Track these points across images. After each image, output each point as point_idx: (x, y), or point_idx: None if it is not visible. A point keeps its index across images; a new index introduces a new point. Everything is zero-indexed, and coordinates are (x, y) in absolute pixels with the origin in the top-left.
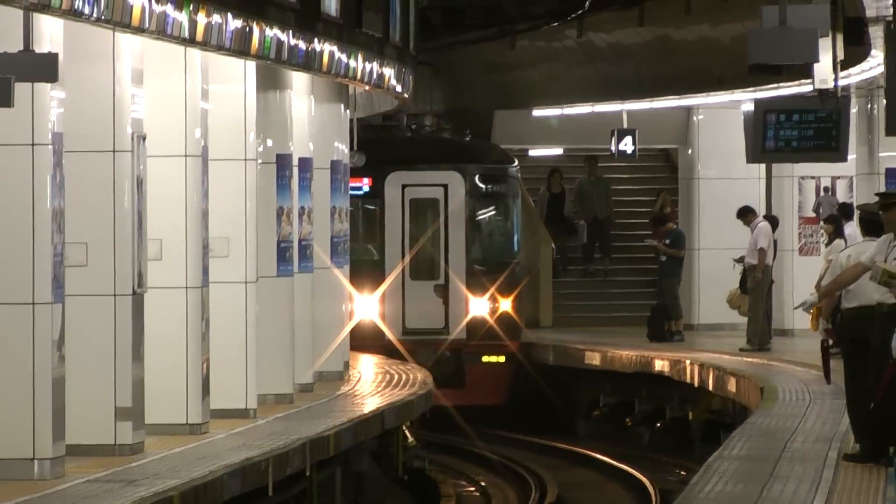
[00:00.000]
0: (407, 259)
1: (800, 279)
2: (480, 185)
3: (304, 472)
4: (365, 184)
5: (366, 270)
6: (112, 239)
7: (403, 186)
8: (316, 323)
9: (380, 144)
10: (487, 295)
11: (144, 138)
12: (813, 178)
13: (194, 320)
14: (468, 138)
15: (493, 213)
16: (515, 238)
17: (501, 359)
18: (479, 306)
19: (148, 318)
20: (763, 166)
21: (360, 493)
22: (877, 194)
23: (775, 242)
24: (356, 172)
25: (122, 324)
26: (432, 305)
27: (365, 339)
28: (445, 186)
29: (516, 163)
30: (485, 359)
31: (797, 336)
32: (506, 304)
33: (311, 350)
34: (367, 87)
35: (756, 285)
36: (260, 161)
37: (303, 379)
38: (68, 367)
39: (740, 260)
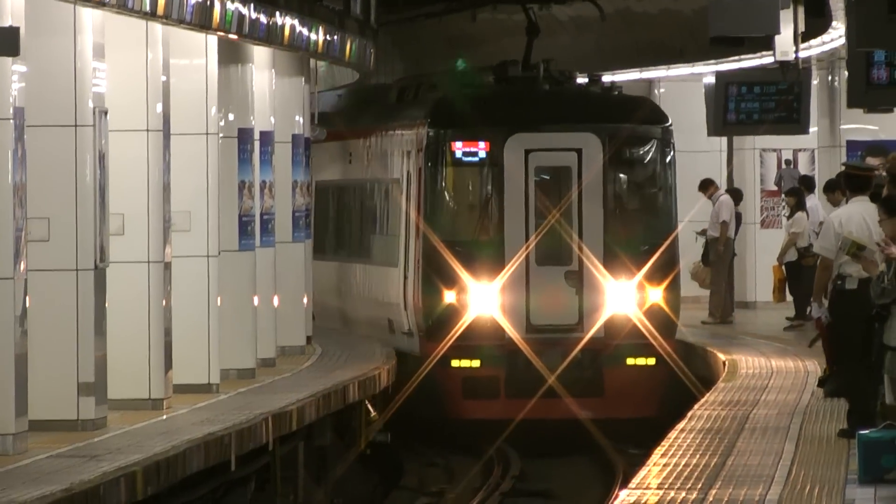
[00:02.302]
0: (532, 241)
1: (762, 252)
2: (623, 149)
3: (266, 447)
4: (481, 149)
5: (482, 254)
6: (74, 214)
7: (527, 152)
8: (278, 297)
9: (498, 100)
10: (633, 283)
11: (106, 113)
12: (774, 150)
13: (156, 295)
14: (616, 93)
15: (639, 183)
16: (668, 213)
17: (651, 361)
18: (622, 298)
19: (110, 293)
20: (724, 139)
21: (323, 468)
22: (844, 164)
23: (738, 215)
24: (471, 136)
25: (84, 299)
26: (563, 297)
27: (482, 339)
28: (579, 151)
29: (670, 122)
30: (629, 361)
31: (759, 309)
32: (656, 295)
33: (274, 324)
34: (328, 61)
35: (718, 258)
36: (221, 135)
37: (265, 353)
38: (30, 343)
39: (702, 233)
